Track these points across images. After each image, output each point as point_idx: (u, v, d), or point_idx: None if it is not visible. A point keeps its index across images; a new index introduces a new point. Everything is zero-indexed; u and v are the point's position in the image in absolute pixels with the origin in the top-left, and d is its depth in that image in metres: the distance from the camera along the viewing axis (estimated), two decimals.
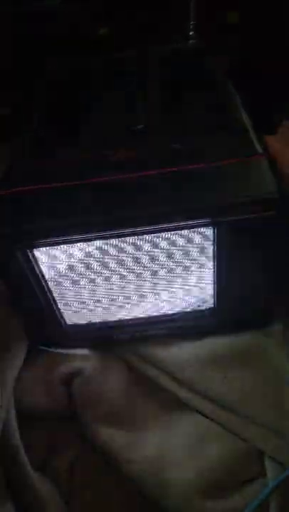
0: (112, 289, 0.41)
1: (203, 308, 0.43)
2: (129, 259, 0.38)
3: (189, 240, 0.37)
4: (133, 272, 0.40)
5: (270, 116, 0.49)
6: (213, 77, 0.51)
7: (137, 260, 0.38)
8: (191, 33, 0.59)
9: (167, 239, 0.37)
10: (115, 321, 0.44)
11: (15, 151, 0.45)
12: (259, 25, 0.72)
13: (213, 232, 0.36)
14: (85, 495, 0.40)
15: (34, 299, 0.40)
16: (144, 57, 0.57)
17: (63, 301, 0.42)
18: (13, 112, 0.79)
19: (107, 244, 0.37)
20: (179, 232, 0.36)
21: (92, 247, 0.37)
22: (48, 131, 0.45)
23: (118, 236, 0.36)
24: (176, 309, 0.44)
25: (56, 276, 0.39)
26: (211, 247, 0.37)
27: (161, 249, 0.38)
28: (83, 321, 0.44)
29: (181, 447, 0.40)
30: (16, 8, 0.67)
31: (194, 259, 0.39)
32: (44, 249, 0.37)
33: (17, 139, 0.46)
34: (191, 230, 0.36)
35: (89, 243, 0.37)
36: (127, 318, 0.44)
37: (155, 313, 0.44)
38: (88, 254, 0.38)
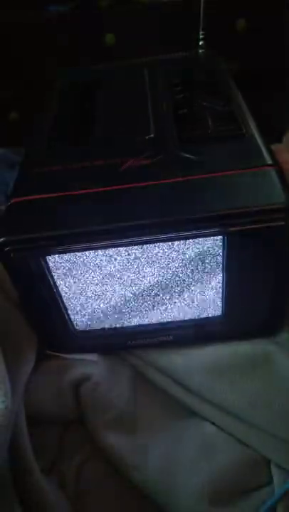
0: (122, 296, 0.42)
1: (212, 316, 0.44)
2: (140, 267, 0.39)
3: (199, 249, 0.37)
4: (143, 280, 0.40)
5: (277, 124, 0.49)
6: (223, 86, 0.52)
7: (147, 268, 0.39)
8: (200, 43, 0.60)
9: (177, 247, 0.37)
10: (124, 328, 0.45)
11: (27, 159, 0.46)
12: (267, 33, 0.72)
13: (223, 241, 0.37)
14: (92, 499, 0.41)
15: (44, 304, 0.41)
16: (154, 66, 0.58)
17: (73, 308, 0.42)
18: (20, 117, 0.81)
19: (117, 251, 0.37)
20: (189, 240, 0.37)
21: (104, 254, 0.38)
22: (60, 140, 0.46)
23: (129, 244, 0.36)
24: (185, 317, 0.44)
25: (66, 283, 0.40)
26: (221, 256, 0.38)
27: (171, 257, 0.38)
28: (92, 327, 0.45)
29: (188, 454, 0.41)
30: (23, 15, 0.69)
31: (204, 268, 0.39)
32: (56, 256, 0.37)
33: (29, 147, 0.47)
34: (201, 238, 0.36)
35: (100, 251, 0.37)
36: (135, 325, 0.44)
37: (163, 321, 0.44)
38: (99, 262, 0.38)
